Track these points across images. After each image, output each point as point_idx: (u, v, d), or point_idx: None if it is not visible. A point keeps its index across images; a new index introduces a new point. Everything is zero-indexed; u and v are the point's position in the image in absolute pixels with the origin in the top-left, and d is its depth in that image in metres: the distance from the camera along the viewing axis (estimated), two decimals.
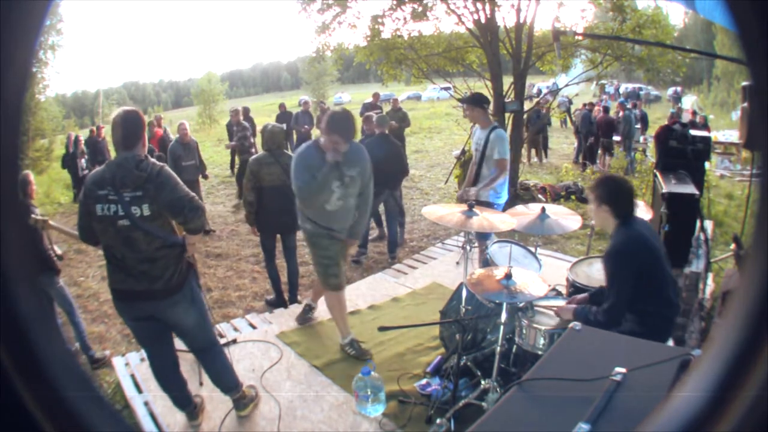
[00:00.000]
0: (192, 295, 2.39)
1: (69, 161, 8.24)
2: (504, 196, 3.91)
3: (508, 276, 2.27)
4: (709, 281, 3.72)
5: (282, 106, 11.53)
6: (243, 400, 2.64)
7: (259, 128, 7.18)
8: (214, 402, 2.73)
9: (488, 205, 3.68)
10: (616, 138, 10.37)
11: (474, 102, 3.91)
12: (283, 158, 3.84)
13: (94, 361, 3.47)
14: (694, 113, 12.15)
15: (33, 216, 2.96)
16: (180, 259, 2.32)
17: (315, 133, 10.73)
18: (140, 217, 2.17)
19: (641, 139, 10.21)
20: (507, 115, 7.38)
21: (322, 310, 3.89)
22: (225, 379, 2.61)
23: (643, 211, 3.28)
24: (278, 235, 4.12)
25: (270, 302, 4.23)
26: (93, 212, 2.17)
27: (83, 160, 7.96)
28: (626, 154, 9.91)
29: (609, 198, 2.29)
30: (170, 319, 2.37)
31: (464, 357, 2.57)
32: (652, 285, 2.22)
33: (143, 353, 3.31)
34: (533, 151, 10.82)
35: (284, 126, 10.61)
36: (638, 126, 10.56)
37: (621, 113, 10.38)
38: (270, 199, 3.82)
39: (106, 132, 10.78)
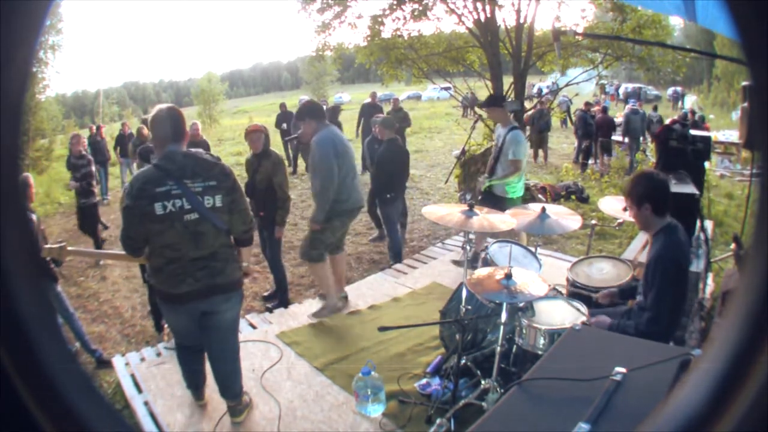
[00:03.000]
0: (241, 295, 2.40)
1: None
2: (518, 192, 4.18)
3: (508, 276, 2.27)
4: (709, 281, 3.72)
5: (282, 105, 11.54)
6: (239, 407, 2.60)
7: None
8: (214, 402, 2.73)
9: (500, 199, 4.02)
10: (617, 138, 10.38)
11: (491, 104, 4.30)
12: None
13: (101, 362, 3.47)
14: (693, 113, 12.14)
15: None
16: (237, 259, 2.33)
17: None
18: (212, 208, 2.13)
19: (641, 138, 10.22)
20: None
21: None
22: (235, 385, 2.55)
23: None
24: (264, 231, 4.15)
25: (272, 308, 4.11)
26: (150, 213, 2.05)
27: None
28: (627, 153, 9.92)
29: (649, 195, 2.23)
30: (217, 309, 2.32)
31: (464, 357, 2.57)
32: (680, 296, 2.23)
33: (143, 353, 3.32)
34: (540, 151, 10.81)
35: (284, 126, 10.63)
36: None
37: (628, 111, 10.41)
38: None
39: (106, 132, 10.79)
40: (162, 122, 2.15)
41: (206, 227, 2.13)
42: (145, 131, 6.67)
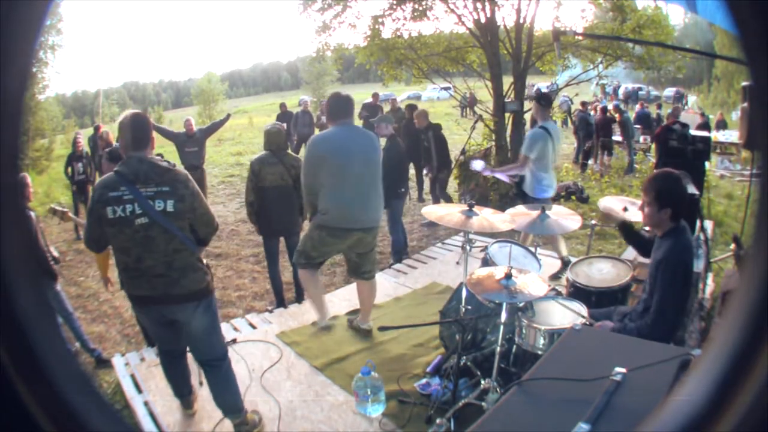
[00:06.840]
0: (209, 303, 2.35)
1: (66, 164, 7.96)
2: (540, 193, 4.13)
3: (508, 276, 2.27)
4: (709, 281, 3.71)
5: (283, 105, 11.55)
6: (245, 427, 2.49)
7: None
8: (214, 403, 2.72)
9: (525, 196, 4.11)
10: (617, 138, 10.38)
11: (535, 99, 4.62)
12: (286, 158, 3.82)
13: (101, 362, 3.47)
14: (703, 115, 12.09)
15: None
16: (198, 267, 2.28)
17: (316, 131, 10.75)
18: (162, 212, 2.13)
19: (641, 139, 10.22)
20: (507, 115, 7.39)
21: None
22: (228, 399, 2.48)
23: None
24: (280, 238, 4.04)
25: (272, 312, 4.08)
26: (103, 217, 2.11)
27: (80, 165, 7.64)
28: (627, 153, 9.92)
29: (672, 200, 2.17)
30: (183, 319, 2.32)
31: (464, 357, 2.57)
32: (684, 297, 2.23)
33: (143, 353, 3.32)
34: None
35: (285, 126, 10.64)
36: (638, 126, 10.57)
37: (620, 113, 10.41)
38: (272, 200, 3.77)
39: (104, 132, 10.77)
40: (122, 130, 2.20)
41: (156, 231, 2.14)
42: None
